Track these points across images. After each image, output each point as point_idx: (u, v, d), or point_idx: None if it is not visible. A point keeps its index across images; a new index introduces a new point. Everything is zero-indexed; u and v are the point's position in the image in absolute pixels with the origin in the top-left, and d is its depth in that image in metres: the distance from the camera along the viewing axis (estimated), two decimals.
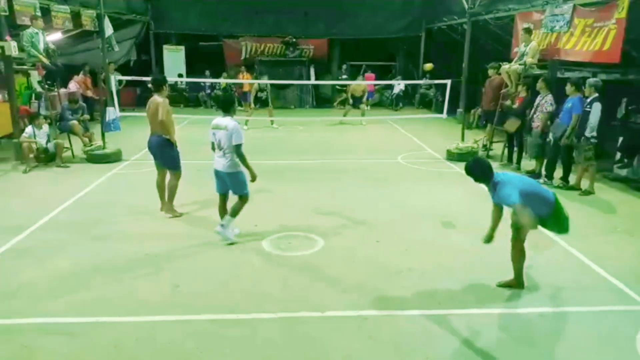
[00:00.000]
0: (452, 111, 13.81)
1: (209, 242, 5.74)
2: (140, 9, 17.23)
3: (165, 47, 18.34)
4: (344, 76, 18.39)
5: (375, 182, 8.40)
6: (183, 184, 6.75)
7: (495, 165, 4.85)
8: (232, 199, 5.75)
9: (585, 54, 8.76)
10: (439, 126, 13.95)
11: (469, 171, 4.40)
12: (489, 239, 4.60)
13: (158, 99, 6.33)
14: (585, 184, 7.73)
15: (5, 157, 9.73)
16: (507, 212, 4.53)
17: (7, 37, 8.94)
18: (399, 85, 18.24)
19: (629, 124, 9.01)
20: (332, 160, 9.97)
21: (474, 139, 10.44)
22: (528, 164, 9.01)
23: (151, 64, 18.49)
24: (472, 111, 14.02)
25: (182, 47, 18.44)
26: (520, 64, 9.63)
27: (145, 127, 6.65)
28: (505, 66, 10.08)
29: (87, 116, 10.79)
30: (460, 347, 3.81)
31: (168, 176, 6.59)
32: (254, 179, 5.55)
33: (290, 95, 18.74)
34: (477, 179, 4.38)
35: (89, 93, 13.93)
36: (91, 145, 9.96)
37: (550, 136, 8.16)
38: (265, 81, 14.44)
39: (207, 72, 17.86)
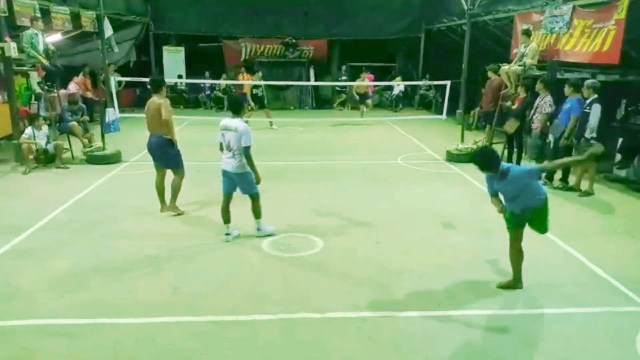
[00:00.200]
0: (451, 112, 13.82)
1: (209, 243, 5.74)
2: (139, 10, 17.22)
3: (164, 48, 18.33)
4: (344, 77, 18.41)
5: (375, 183, 8.40)
6: (183, 185, 6.78)
7: (493, 197, 4.83)
8: (235, 202, 5.75)
9: (585, 55, 8.76)
10: (439, 127, 13.95)
11: (474, 160, 4.61)
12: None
13: (158, 100, 6.37)
14: (585, 185, 7.73)
15: (4, 159, 9.72)
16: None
17: (7, 38, 8.93)
18: (398, 86, 18.24)
19: (628, 125, 9.02)
20: (332, 161, 9.97)
21: (474, 140, 10.44)
22: (528, 165, 9.00)
23: (151, 65, 18.49)
24: (472, 112, 14.03)
25: (182, 48, 18.43)
26: (519, 65, 9.64)
27: (145, 128, 6.65)
28: (505, 67, 10.09)
29: (86, 117, 10.79)
30: (461, 348, 3.81)
31: (170, 176, 6.63)
32: (258, 181, 5.62)
33: (290, 96, 18.73)
34: (482, 167, 4.47)
35: (89, 94, 13.92)
36: (91, 146, 9.96)
37: (550, 137, 8.17)
38: (265, 82, 14.41)
39: (207, 74, 17.86)
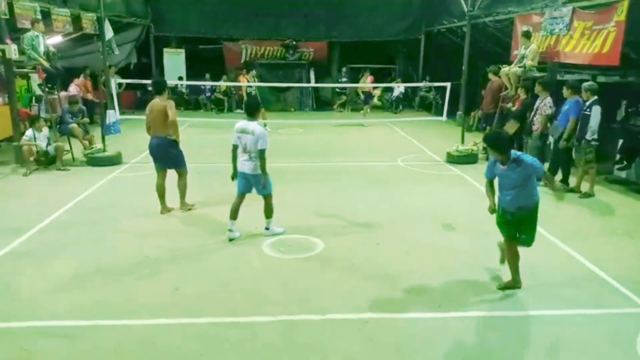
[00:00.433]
0: (451, 114, 13.83)
1: (209, 244, 5.75)
2: (140, 12, 17.25)
3: (165, 50, 18.34)
4: (344, 79, 18.42)
5: (375, 184, 8.40)
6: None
7: (486, 184, 4.85)
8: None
9: (585, 56, 8.76)
10: (439, 129, 13.95)
11: (487, 138, 4.78)
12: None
13: (163, 102, 6.45)
14: (585, 186, 7.73)
15: (5, 160, 9.73)
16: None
17: (8, 40, 8.94)
18: (398, 87, 18.26)
19: (628, 126, 9.02)
20: (332, 163, 9.97)
21: (474, 142, 10.44)
22: None
23: (151, 67, 18.50)
24: (472, 114, 14.04)
25: (182, 50, 18.45)
26: (520, 67, 9.65)
27: (146, 130, 6.66)
28: (505, 69, 10.10)
29: (87, 119, 10.80)
30: (461, 350, 3.81)
31: (170, 178, 6.69)
32: (265, 184, 5.73)
33: (290, 98, 18.75)
34: (492, 145, 4.54)
35: (89, 96, 13.94)
36: (91, 148, 9.97)
37: (551, 139, 8.17)
38: (265, 84, 14.40)
39: (207, 75, 17.87)
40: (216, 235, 6.04)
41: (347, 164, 9.94)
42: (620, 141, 8.64)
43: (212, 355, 3.70)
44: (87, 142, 10.26)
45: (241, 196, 5.88)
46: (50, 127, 9.72)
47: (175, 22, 18.20)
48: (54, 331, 3.98)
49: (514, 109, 9.39)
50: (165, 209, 6.76)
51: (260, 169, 5.61)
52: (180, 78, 17.80)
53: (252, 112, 5.71)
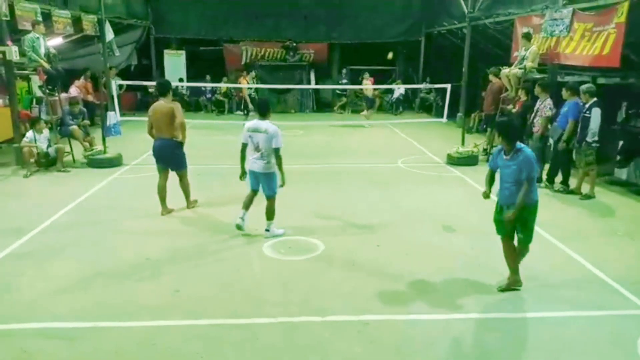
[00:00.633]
0: (452, 115, 13.83)
1: (210, 246, 5.75)
2: (140, 13, 17.28)
3: (165, 51, 18.37)
4: (344, 80, 18.43)
5: (376, 186, 8.40)
6: (178, 190, 6.90)
7: (487, 174, 4.86)
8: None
9: (585, 58, 8.77)
10: (439, 130, 13.96)
11: (498, 123, 4.93)
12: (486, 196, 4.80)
13: (168, 104, 6.51)
14: (585, 188, 7.73)
15: (6, 162, 9.73)
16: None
17: (9, 42, 8.96)
18: (399, 89, 18.27)
19: (629, 128, 9.02)
20: (332, 164, 9.98)
21: (474, 143, 10.45)
22: None
23: (152, 68, 18.53)
24: (472, 115, 14.04)
25: (183, 52, 18.48)
26: (520, 68, 9.66)
27: (146, 132, 6.67)
28: (505, 70, 10.11)
29: (87, 121, 10.80)
30: (462, 351, 3.81)
31: (171, 179, 6.74)
32: (283, 183, 5.81)
33: (291, 99, 18.77)
34: (500, 132, 4.60)
35: (90, 98, 13.93)
36: (92, 149, 9.97)
37: (551, 140, 8.17)
38: (265, 86, 14.39)
39: (208, 77, 17.89)
40: (216, 236, 6.05)
41: (348, 166, 9.94)
42: (621, 143, 8.64)
43: (213, 357, 3.69)
44: (87, 144, 10.26)
45: (253, 192, 5.99)
46: (50, 129, 9.72)
47: (175, 24, 18.24)
48: (54, 332, 3.98)
49: (514, 110, 9.39)
50: (165, 210, 6.76)
51: (277, 167, 5.72)
52: (181, 80, 17.83)
53: (264, 111, 5.78)
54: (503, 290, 4.67)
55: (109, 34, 13.73)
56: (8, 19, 9.02)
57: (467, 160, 9.92)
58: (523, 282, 4.72)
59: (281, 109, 17.98)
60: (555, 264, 5.29)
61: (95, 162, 9.57)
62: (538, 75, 9.48)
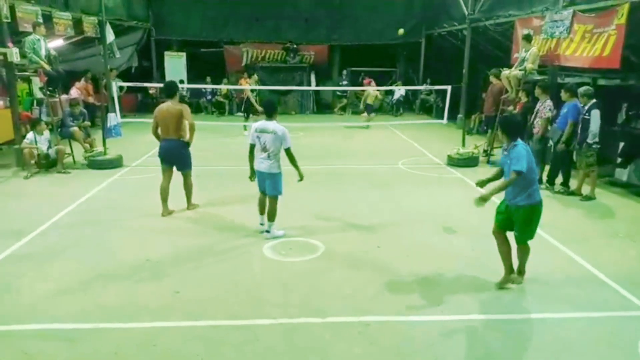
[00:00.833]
0: (452, 117, 13.82)
1: (210, 247, 5.75)
2: (141, 15, 17.31)
3: (166, 53, 18.39)
4: (345, 82, 18.46)
5: (376, 187, 8.40)
6: (179, 191, 6.92)
7: (495, 170, 4.88)
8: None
9: (585, 59, 8.78)
10: (440, 132, 13.96)
11: (500, 119, 4.99)
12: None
13: (177, 106, 6.59)
14: (586, 189, 7.73)
15: (6, 163, 9.74)
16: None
17: (9, 44, 8.97)
18: (399, 91, 18.29)
19: (629, 129, 9.02)
20: (333, 166, 9.98)
21: (475, 145, 10.45)
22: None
23: (152, 70, 18.55)
24: (473, 117, 14.05)
25: (183, 54, 18.50)
26: (520, 70, 9.67)
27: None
28: (506, 72, 10.11)
29: (88, 122, 10.81)
30: (462, 353, 3.80)
31: (174, 180, 6.81)
32: (301, 178, 5.92)
33: (291, 101, 18.80)
34: (501, 127, 4.75)
35: (91, 99, 13.96)
36: (92, 151, 9.98)
37: (551, 142, 8.17)
38: (266, 87, 14.37)
39: (208, 78, 17.91)
40: (217, 237, 6.05)
41: (348, 167, 9.94)
42: (621, 144, 8.64)
43: (213, 358, 3.69)
44: (88, 145, 10.27)
45: (263, 193, 6.04)
46: (51, 130, 9.74)
47: (176, 26, 18.27)
48: (54, 334, 3.97)
49: (514, 112, 9.38)
50: (166, 212, 6.77)
51: (292, 165, 5.82)
52: (181, 81, 17.79)
53: (270, 112, 5.84)
54: (501, 287, 4.71)
55: (110, 36, 13.77)
56: (9, 20, 9.04)
57: (467, 162, 9.92)
58: (524, 283, 4.73)
59: (281, 111, 17.90)
60: (555, 265, 5.29)
61: (96, 164, 9.58)
62: (538, 77, 9.48)
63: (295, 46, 18.51)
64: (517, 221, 4.58)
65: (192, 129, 6.67)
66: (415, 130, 14.09)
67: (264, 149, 5.73)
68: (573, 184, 7.96)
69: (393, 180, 8.91)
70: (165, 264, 5.28)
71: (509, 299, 4.60)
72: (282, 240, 5.91)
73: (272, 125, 5.71)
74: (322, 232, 6.19)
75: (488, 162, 10.09)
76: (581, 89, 7.60)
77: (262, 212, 6.10)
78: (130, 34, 16.83)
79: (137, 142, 11.73)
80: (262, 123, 5.81)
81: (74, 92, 13.35)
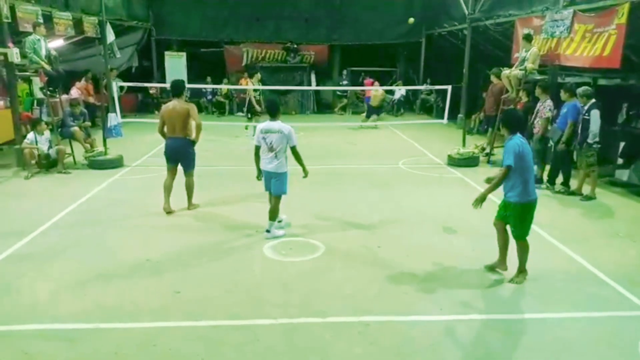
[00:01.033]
0: (452, 116, 13.83)
1: (210, 247, 5.75)
2: (141, 15, 17.31)
3: (166, 53, 18.38)
4: (345, 82, 18.45)
5: (377, 187, 8.40)
6: (180, 191, 6.94)
7: (496, 170, 4.89)
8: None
9: (586, 59, 8.78)
10: (440, 131, 13.96)
11: (502, 114, 5.18)
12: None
13: (185, 105, 6.71)
14: (586, 189, 7.72)
15: (7, 164, 9.74)
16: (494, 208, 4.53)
17: (10, 44, 8.98)
18: (399, 90, 18.28)
19: (630, 129, 9.02)
20: (333, 166, 9.98)
21: (475, 144, 10.45)
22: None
23: (152, 70, 18.56)
24: (473, 116, 14.05)
25: (184, 54, 18.48)
26: (520, 70, 9.66)
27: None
28: (506, 71, 10.11)
29: (88, 122, 10.82)
30: (462, 352, 3.80)
31: (178, 179, 6.91)
32: (306, 174, 6.05)
33: (292, 101, 18.80)
34: (502, 120, 4.96)
35: (91, 99, 13.97)
36: (93, 151, 9.98)
37: (552, 142, 8.17)
38: (266, 87, 14.35)
39: (209, 78, 17.92)
40: (217, 237, 6.05)
41: (348, 167, 9.95)
42: (622, 144, 8.63)
43: (213, 358, 3.69)
44: (88, 145, 10.27)
45: (270, 192, 6.08)
46: (51, 130, 9.74)
47: (176, 26, 18.27)
48: (55, 334, 3.98)
49: None
50: (168, 207, 6.85)
51: (298, 163, 5.92)
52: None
53: (273, 112, 5.93)
54: (489, 269, 5.02)
55: (110, 36, 13.77)
56: (9, 20, 9.04)
57: (467, 162, 9.92)
58: (524, 283, 4.76)
59: (282, 111, 17.87)
60: (556, 265, 5.28)
61: (96, 164, 9.58)
62: (539, 77, 9.48)
63: (295, 46, 18.51)
64: (510, 217, 4.72)
65: (199, 128, 6.73)
66: (415, 130, 14.08)
67: (271, 149, 5.79)
68: (573, 183, 7.95)
69: (393, 180, 8.91)
70: (166, 263, 5.28)
71: (509, 299, 4.60)
72: (283, 240, 5.91)
73: (277, 124, 5.79)
74: (323, 232, 6.19)
75: (488, 161, 10.08)
76: (579, 90, 7.60)
77: None
78: (130, 34, 16.83)
79: (137, 142, 11.74)
80: (266, 124, 5.88)
81: (75, 92, 13.35)
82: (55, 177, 9.01)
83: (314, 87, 18.51)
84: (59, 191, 8.09)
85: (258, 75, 13.63)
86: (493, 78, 10.92)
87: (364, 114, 15.69)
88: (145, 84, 15.62)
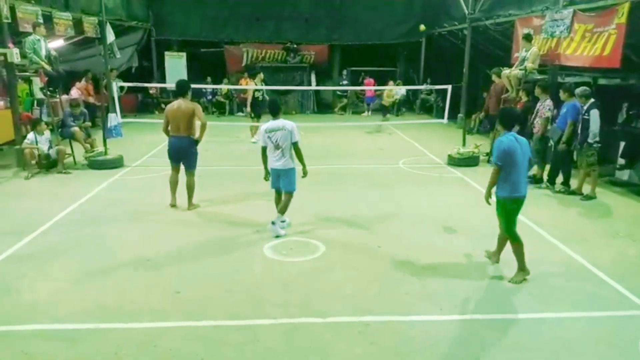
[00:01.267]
0: (453, 116, 13.82)
1: (211, 247, 5.75)
2: (141, 15, 17.31)
3: (166, 53, 18.39)
4: (345, 82, 18.45)
5: (377, 187, 8.40)
6: (183, 190, 6.95)
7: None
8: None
9: (586, 59, 8.77)
10: (440, 131, 13.96)
11: (500, 110, 5.36)
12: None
13: (190, 104, 6.80)
14: (586, 188, 7.72)
15: (7, 164, 9.74)
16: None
17: (10, 44, 8.98)
18: (399, 90, 18.27)
19: (630, 129, 9.01)
20: (333, 165, 9.97)
21: (475, 144, 10.44)
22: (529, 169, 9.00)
23: (153, 70, 18.56)
24: (473, 116, 14.04)
25: (184, 54, 18.49)
26: (520, 69, 9.66)
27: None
28: (506, 71, 10.11)
29: (88, 123, 10.82)
30: (462, 352, 3.80)
31: (182, 177, 7.00)
32: (305, 174, 6.12)
33: (292, 101, 18.81)
34: (499, 119, 5.05)
35: (91, 99, 13.97)
36: (93, 151, 9.98)
37: (552, 141, 8.17)
38: (266, 87, 14.33)
39: (209, 79, 17.91)
40: (217, 237, 6.05)
41: (349, 167, 9.95)
42: (622, 144, 8.63)
43: (213, 358, 3.69)
44: (88, 145, 10.27)
45: (277, 191, 6.22)
46: (51, 131, 9.74)
47: (176, 26, 18.27)
48: (55, 334, 3.98)
49: None
50: (174, 202, 7.00)
51: (298, 159, 6.03)
52: None
53: (275, 112, 6.07)
54: (486, 255, 5.28)
55: (110, 36, 13.77)
56: (9, 21, 9.04)
57: (468, 161, 9.92)
58: (523, 283, 4.77)
59: (282, 110, 17.97)
60: (555, 265, 5.28)
61: (96, 164, 9.58)
62: (539, 76, 9.48)
63: (295, 46, 18.51)
64: (497, 211, 4.85)
65: (203, 127, 6.81)
66: (415, 130, 14.08)
67: (277, 147, 5.92)
68: (573, 183, 7.95)
69: (394, 180, 8.91)
70: (166, 264, 5.28)
71: (508, 298, 4.60)
72: (283, 240, 5.91)
73: (280, 122, 5.95)
74: (323, 232, 6.19)
75: (489, 161, 10.07)
76: (578, 90, 7.60)
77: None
78: (130, 34, 16.83)
79: (137, 142, 11.74)
80: (270, 123, 6.00)
81: (75, 93, 13.36)
82: (56, 177, 9.01)
83: (314, 87, 18.51)
84: (59, 191, 8.09)
85: (261, 75, 13.56)
86: (495, 78, 10.91)
87: (381, 115, 15.62)
88: (145, 84, 15.61)
